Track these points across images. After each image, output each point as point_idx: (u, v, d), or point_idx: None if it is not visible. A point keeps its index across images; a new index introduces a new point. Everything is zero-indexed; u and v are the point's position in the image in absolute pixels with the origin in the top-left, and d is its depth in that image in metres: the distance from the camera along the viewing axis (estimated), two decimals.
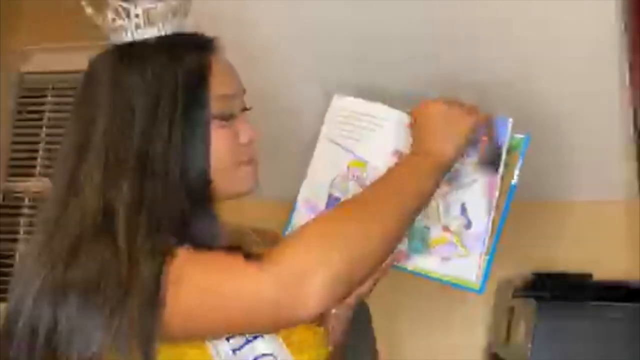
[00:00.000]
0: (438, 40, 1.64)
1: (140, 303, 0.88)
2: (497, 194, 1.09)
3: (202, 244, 0.95)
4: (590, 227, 1.87)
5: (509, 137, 1.11)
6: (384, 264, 1.03)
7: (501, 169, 1.10)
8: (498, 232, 1.09)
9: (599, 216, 1.86)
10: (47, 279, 0.93)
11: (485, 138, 1.11)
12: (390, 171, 1.04)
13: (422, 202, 1.02)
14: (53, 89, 2.57)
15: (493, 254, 1.08)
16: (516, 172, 1.11)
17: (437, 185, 1.04)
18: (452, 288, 1.10)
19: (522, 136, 1.13)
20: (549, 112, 1.67)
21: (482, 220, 1.10)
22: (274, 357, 0.99)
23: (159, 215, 0.95)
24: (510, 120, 1.11)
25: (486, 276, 1.07)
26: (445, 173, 1.06)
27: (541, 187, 1.84)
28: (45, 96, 2.58)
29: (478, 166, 1.11)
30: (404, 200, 0.99)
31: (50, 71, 2.53)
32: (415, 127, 1.09)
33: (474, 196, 1.11)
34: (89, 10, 1.07)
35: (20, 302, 0.95)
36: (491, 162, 1.11)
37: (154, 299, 0.88)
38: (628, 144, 1.67)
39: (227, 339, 0.97)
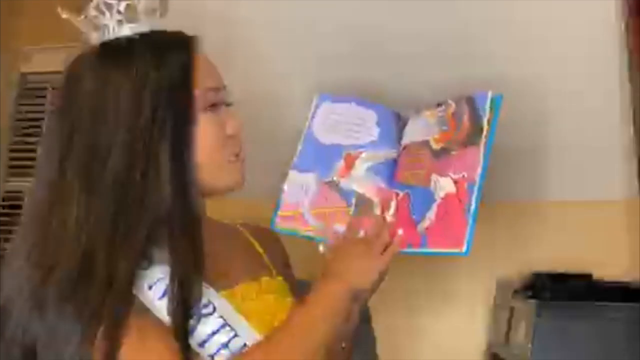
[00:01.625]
0: (435, 39, 1.64)
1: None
2: (480, 164, 1.10)
3: (182, 242, 0.96)
4: (590, 227, 1.86)
5: (487, 110, 1.12)
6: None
7: (482, 141, 1.11)
8: (479, 188, 1.08)
9: (599, 216, 1.86)
10: (32, 283, 0.94)
11: (466, 115, 1.14)
12: (309, 303, 1.04)
13: (337, 329, 1.04)
14: (53, 89, 2.56)
15: (476, 212, 1.07)
16: (492, 128, 1.12)
17: (349, 311, 1.06)
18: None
19: (495, 95, 1.15)
20: (549, 111, 1.68)
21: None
22: (228, 325, 0.98)
23: (139, 218, 0.95)
24: (489, 92, 1.13)
25: (470, 237, 1.06)
26: (358, 301, 1.09)
27: (541, 186, 1.85)
28: (45, 96, 2.58)
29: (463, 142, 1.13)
30: (321, 332, 1.01)
31: (50, 71, 2.53)
32: (334, 263, 1.08)
33: None
34: (64, 14, 1.06)
35: (8, 304, 0.96)
36: (473, 135, 1.12)
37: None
38: (628, 144, 1.67)
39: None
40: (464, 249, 1.06)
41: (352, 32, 1.67)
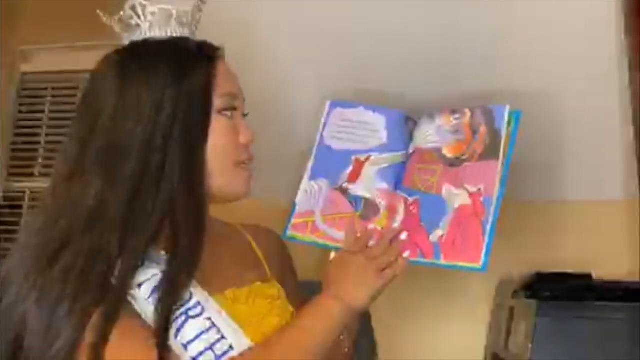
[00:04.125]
0: (436, 42, 1.64)
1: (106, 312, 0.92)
2: (498, 178, 1.09)
3: (184, 240, 0.98)
4: (590, 227, 1.86)
5: (506, 124, 1.12)
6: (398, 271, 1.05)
7: (501, 154, 1.10)
8: (496, 207, 1.08)
9: (599, 216, 1.86)
10: (31, 274, 0.95)
11: (483, 127, 1.12)
12: (303, 315, 1.04)
13: (331, 343, 1.04)
14: (53, 89, 2.57)
15: (493, 227, 1.07)
16: (510, 144, 1.12)
17: (345, 327, 1.06)
18: (453, 272, 1.08)
19: (514, 111, 1.14)
20: (549, 111, 1.67)
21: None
22: (216, 328, 0.99)
23: (149, 216, 0.97)
24: (507, 107, 1.13)
25: (487, 253, 1.06)
26: (355, 316, 1.08)
27: (541, 186, 1.85)
28: (45, 96, 2.58)
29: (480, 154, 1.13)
30: (313, 345, 1.01)
31: (50, 71, 2.54)
32: (333, 272, 1.08)
33: None
34: (104, 18, 1.09)
35: (10, 276, 0.97)
36: (491, 148, 1.11)
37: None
38: (628, 144, 1.67)
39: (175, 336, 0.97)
40: (481, 264, 1.05)
41: (370, 38, 1.66)
